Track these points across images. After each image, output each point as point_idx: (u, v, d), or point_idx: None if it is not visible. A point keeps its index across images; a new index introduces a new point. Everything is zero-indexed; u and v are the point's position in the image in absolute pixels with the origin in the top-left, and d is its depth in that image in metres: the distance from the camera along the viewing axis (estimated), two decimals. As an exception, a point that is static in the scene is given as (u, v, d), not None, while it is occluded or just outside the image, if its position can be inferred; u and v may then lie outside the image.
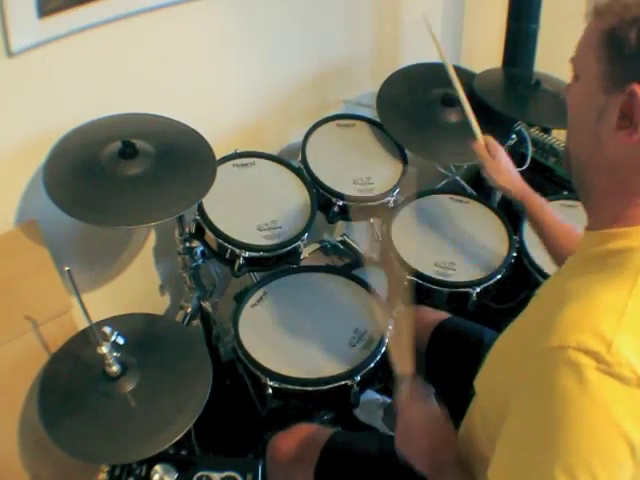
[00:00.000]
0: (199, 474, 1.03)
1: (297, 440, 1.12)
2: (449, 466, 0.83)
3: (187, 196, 1.18)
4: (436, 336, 1.27)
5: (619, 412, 0.55)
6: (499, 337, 0.81)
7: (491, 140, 1.28)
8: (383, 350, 1.23)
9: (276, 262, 1.36)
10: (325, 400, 1.22)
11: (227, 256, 1.32)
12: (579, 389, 0.56)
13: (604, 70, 0.64)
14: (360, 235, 1.90)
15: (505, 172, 1.23)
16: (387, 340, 1.22)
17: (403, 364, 0.96)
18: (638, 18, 0.61)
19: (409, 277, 1.34)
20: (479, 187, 1.91)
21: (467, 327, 1.28)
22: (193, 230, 1.37)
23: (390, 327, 1.25)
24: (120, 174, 1.15)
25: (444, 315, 1.33)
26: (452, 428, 0.88)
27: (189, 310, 1.49)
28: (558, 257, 1.11)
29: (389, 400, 1.61)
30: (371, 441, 1.12)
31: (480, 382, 0.82)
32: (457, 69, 1.75)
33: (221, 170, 1.40)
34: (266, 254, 1.32)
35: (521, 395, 0.63)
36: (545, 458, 0.58)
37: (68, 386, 1.07)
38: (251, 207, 1.39)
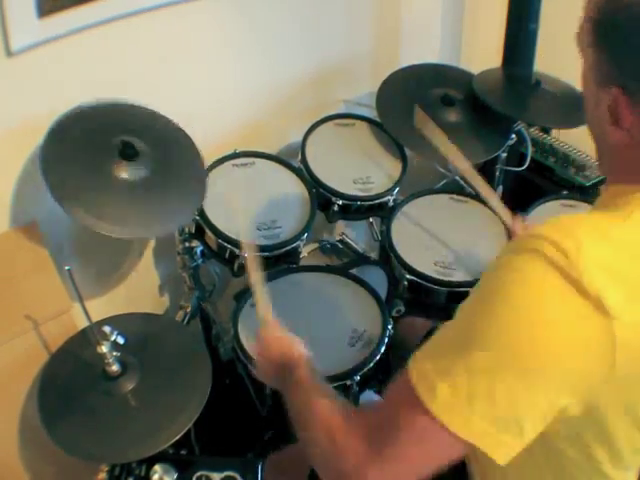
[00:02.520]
0: (199, 474, 1.03)
1: (291, 460, 1.12)
2: (308, 386, 0.82)
3: (183, 210, 1.20)
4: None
5: (553, 311, 0.56)
6: None
7: (522, 222, 1.31)
8: (383, 350, 1.23)
9: (276, 262, 1.36)
10: (325, 400, 1.22)
11: (227, 256, 1.32)
12: (531, 274, 0.57)
13: (595, 61, 0.63)
14: (359, 235, 1.90)
15: None
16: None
17: (262, 308, 1.01)
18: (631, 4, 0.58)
19: (409, 277, 1.34)
20: (479, 187, 1.91)
21: None
22: (193, 230, 1.37)
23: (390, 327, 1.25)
24: (119, 175, 1.15)
25: (435, 324, 1.32)
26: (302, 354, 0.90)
27: (189, 310, 1.49)
28: None
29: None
30: None
31: None
32: (457, 69, 1.76)
33: (221, 170, 1.40)
34: (266, 254, 1.32)
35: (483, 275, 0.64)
36: (477, 322, 0.60)
37: (68, 386, 1.07)
38: (251, 207, 1.39)
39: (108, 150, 1.17)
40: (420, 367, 0.62)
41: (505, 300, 0.58)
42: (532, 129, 1.89)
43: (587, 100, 0.68)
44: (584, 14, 0.64)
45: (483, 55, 1.92)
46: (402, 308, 1.48)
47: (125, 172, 1.15)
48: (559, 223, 0.60)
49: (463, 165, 1.31)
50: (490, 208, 1.34)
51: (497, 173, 1.77)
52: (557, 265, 0.56)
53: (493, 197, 1.32)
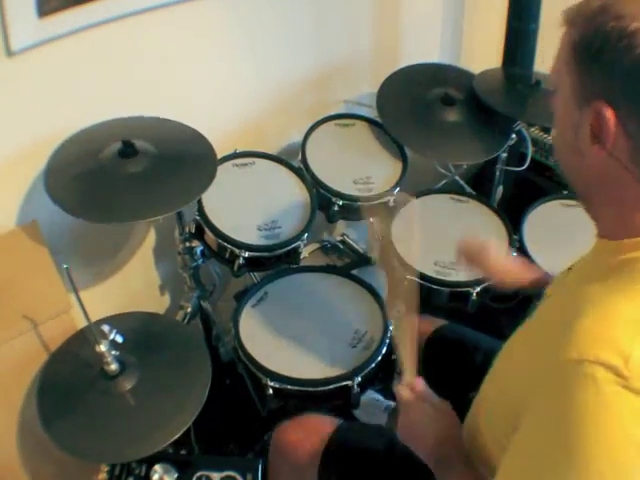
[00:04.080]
0: (199, 474, 1.03)
1: (303, 429, 1.12)
2: (455, 461, 0.83)
3: (186, 192, 1.18)
4: (432, 342, 1.26)
5: (636, 427, 0.55)
6: (509, 340, 0.79)
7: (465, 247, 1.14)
8: (384, 351, 1.23)
9: (276, 262, 1.36)
10: (325, 401, 1.22)
11: (227, 256, 1.32)
12: (597, 403, 0.55)
13: (574, 83, 0.63)
14: (360, 235, 1.90)
15: (499, 268, 1.11)
16: (391, 337, 1.20)
17: (407, 362, 0.96)
18: (601, 28, 0.59)
19: (410, 277, 1.34)
20: (479, 187, 1.91)
21: (464, 333, 1.27)
22: (193, 230, 1.37)
23: (391, 327, 1.25)
24: (120, 173, 1.15)
25: (441, 322, 1.32)
26: (457, 422, 0.88)
27: (189, 310, 1.49)
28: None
29: (393, 404, 1.61)
30: (379, 435, 1.11)
31: (487, 386, 0.81)
32: (457, 69, 1.76)
33: (221, 170, 1.40)
34: (266, 254, 1.32)
35: (536, 407, 0.62)
36: (559, 470, 0.58)
37: (67, 385, 1.07)
38: (251, 207, 1.39)
39: (109, 151, 1.17)
40: None
41: (592, 445, 0.56)
42: (532, 129, 1.89)
43: (564, 136, 0.68)
44: (560, 49, 0.65)
45: (483, 55, 1.92)
46: (402, 308, 1.48)
47: (125, 169, 1.16)
48: (593, 335, 0.58)
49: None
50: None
51: (497, 173, 1.77)
52: (619, 384, 0.55)
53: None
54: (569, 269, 0.80)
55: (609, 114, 0.60)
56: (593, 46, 0.60)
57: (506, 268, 1.11)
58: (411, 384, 0.92)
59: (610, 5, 0.60)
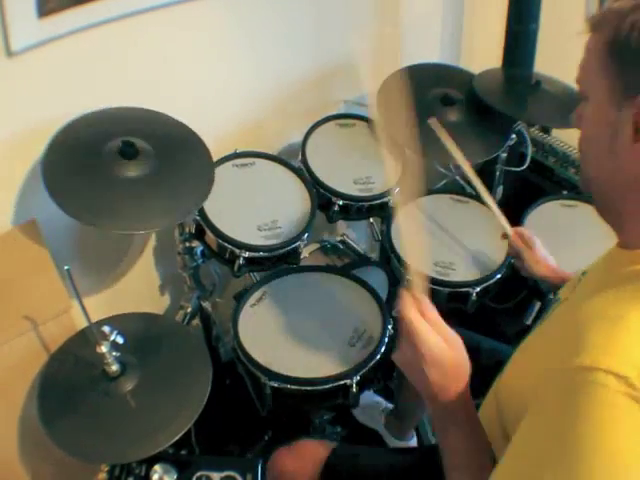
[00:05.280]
0: (199, 474, 1.03)
1: (298, 457, 1.11)
2: (458, 415, 0.75)
3: (186, 203, 1.18)
4: None
5: None
6: (524, 341, 0.78)
7: (525, 231, 1.26)
8: (383, 350, 1.23)
9: (276, 262, 1.36)
10: (324, 400, 1.22)
11: (227, 256, 1.32)
12: (605, 412, 0.55)
13: (611, 85, 0.63)
14: (360, 235, 1.90)
15: (542, 261, 1.22)
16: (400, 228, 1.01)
17: (414, 258, 0.84)
18: (637, 23, 0.59)
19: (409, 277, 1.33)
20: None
21: (463, 335, 1.27)
22: (193, 230, 1.37)
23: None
24: (120, 174, 1.15)
25: None
26: (468, 366, 0.77)
27: (189, 310, 1.49)
28: None
29: (390, 406, 1.61)
30: (376, 455, 1.10)
31: (501, 387, 0.79)
32: (457, 69, 1.76)
33: (221, 170, 1.40)
34: (266, 254, 1.32)
35: (541, 409, 0.61)
36: (557, 473, 0.57)
37: (68, 386, 1.07)
38: (251, 207, 1.39)
39: (109, 150, 1.17)
40: None
41: (595, 451, 0.55)
42: (532, 129, 1.89)
43: (596, 141, 0.67)
44: (588, 55, 0.65)
45: (483, 55, 1.92)
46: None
47: (126, 171, 1.15)
48: (606, 344, 0.57)
49: (468, 169, 1.32)
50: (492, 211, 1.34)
51: (497, 173, 1.77)
52: (630, 396, 0.54)
53: (494, 204, 1.31)
54: (583, 273, 0.80)
55: None
56: (632, 40, 0.60)
57: (543, 260, 1.21)
58: (420, 303, 0.78)
59: None
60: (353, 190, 1.48)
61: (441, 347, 0.74)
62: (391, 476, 1.02)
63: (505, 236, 1.29)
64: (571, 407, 0.57)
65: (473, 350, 1.18)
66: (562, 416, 0.58)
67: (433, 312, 0.77)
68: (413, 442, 1.55)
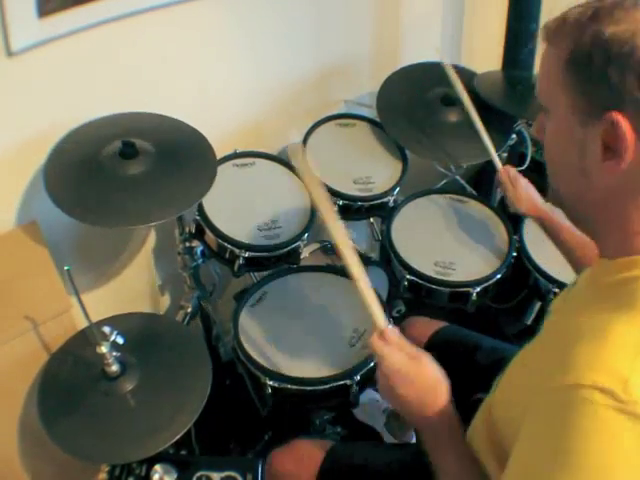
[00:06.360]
0: (199, 474, 1.03)
1: (294, 457, 1.10)
2: (440, 432, 0.77)
3: (187, 196, 1.18)
4: (433, 345, 1.25)
5: (634, 451, 0.54)
6: (516, 356, 0.78)
7: (512, 170, 1.31)
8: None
9: (276, 262, 1.36)
10: (325, 400, 1.22)
11: (227, 256, 1.32)
12: (594, 427, 0.54)
13: (574, 101, 0.61)
14: (360, 235, 1.90)
15: (525, 199, 1.27)
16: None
17: (372, 307, 0.89)
18: (598, 35, 0.56)
19: (409, 277, 1.34)
20: (479, 187, 1.91)
21: (464, 334, 1.26)
22: (193, 230, 1.37)
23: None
24: (120, 174, 1.15)
25: (440, 324, 1.31)
26: (440, 377, 0.79)
27: (189, 310, 1.49)
28: (578, 268, 1.10)
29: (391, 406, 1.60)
30: (373, 452, 1.09)
31: (494, 403, 0.79)
32: (457, 69, 1.75)
33: (221, 170, 1.40)
34: (266, 254, 1.32)
35: (533, 431, 0.61)
36: None
37: (68, 386, 1.07)
38: (251, 207, 1.39)
39: (109, 152, 1.17)
40: None
41: (586, 466, 0.55)
42: (532, 129, 1.89)
43: (564, 158, 0.66)
44: (546, 67, 0.63)
45: (483, 55, 1.92)
46: (403, 308, 1.48)
47: (126, 170, 1.15)
48: (590, 361, 0.57)
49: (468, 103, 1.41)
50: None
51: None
52: (617, 409, 0.54)
53: (490, 145, 1.38)
54: (574, 283, 0.79)
55: (625, 124, 0.57)
56: (594, 57, 0.57)
57: (526, 198, 1.26)
58: (381, 332, 0.83)
59: (600, 11, 0.58)
60: (353, 190, 1.48)
61: (403, 362, 0.78)
62: (388, 472, 1.02)
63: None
64: (560, 426, 0.57)
65: (473, 349, 1.19)
66: (553, 435, 0.58)
67: (394, 334, 0.82)
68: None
